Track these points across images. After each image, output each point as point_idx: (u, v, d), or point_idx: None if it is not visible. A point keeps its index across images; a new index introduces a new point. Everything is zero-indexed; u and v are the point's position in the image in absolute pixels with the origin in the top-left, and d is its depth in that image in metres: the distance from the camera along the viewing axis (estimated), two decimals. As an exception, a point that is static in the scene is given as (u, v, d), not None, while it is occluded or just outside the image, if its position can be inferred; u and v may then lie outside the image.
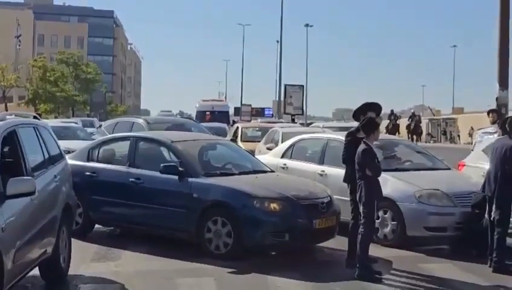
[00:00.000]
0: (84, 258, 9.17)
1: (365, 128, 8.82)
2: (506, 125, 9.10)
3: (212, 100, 45.70)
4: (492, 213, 9.11)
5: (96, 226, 11.03)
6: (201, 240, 9.41)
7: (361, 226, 8.65)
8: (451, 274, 8.68)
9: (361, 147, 8.71)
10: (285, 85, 53.46)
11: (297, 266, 8.93)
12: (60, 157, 8.52)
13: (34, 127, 7.87)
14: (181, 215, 9.62)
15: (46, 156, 7.90)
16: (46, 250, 7.41)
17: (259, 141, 19.84)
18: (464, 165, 12.88)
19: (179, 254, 9.36)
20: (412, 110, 53.83)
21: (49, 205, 7.54)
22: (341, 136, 12.35)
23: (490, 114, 14.71)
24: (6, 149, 6.79)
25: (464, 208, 10.13)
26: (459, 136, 59.65)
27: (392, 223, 10.38)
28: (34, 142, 7.61)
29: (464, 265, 9.25)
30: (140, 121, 16.93)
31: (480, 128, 15.70)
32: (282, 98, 53.74)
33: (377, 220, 10.44)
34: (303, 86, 55.05)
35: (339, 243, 9.93)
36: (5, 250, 5.82)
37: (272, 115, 53.51)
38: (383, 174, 10.08)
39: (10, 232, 6.08)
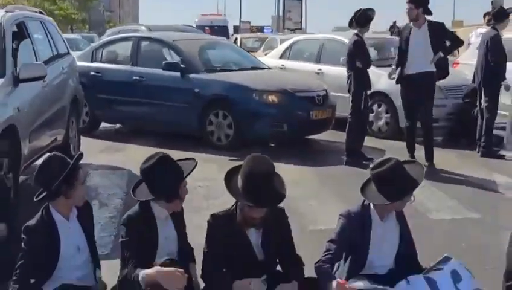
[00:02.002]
0: (93, 151, 9.60)
1: (359, 20, 9.02)
2: (491, 17, 9.44)
3: (211, 15, 45.46)
4: (482, 101, 9.55)
5: (103, 125, 11.48)
6: (204, 133, 9.88)
7: (348, 115, 9.05)
8: (441, 160, 9.13)
9: (353, 38, 9.02)
10: (284, -1, 52.89)
11: (296, 154, 9.41)
12: (66, 53, 8.87)
13: (40, 21, 8.19)
14: (184, 110, 10.06)
15: (54, 49, 8.25)
16: (56, 138, 7.85)
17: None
18: (458, 63, 13.25)
19: (183, 146, 9.79)
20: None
21: (58, 94, 7.95)
22: (337, 36, 12.73)
23: (486, 16, 14.90)
24: (16, 39, 7.13)
25: (455, 100, 10.62)
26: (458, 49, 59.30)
27: (386, 115, 10.85)
28: (41, 34, 7.95)
29: (453, 152, 9.77)
30: (143, 28, 17.16)
31: (478, 28, 15.93)
32: (281, 13, 53.28)
33: (371, 114, 10.94)
34: (302, -1, 54.51)
35: (334, 136, 10.44)
36: (21, 127, 6.22)
37: (272, 31, 53.16)
38: (377, 70, 10.53)
39: (24, 114, 6.49)
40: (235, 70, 10.63)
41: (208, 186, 7.60)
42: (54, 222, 3.94)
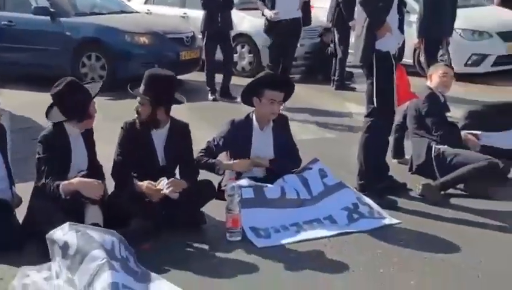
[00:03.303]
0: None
1: None
2: None
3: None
4: (335, 41, 10.61)
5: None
6: (77, 75, 10.16)
7: None
8: (301, 93, 9.99)
9: None
10: None
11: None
12: None
13: None
14: (56, 54, 10.32)
15: None
16: None
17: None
18: (313, 7, 14.21)
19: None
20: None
21: None
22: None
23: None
24: None
25: (312, 40, 11.64)
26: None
27: (249, 56, 11.64)
28: None
29: (312, 87, 10.76)
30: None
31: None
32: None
33: (235, 54, 11.70)
34: None
35: (201, 76, 11.10)
36: None
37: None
38: (241, 13, 11.27)
39: None
40: (105, 14, 10.98)
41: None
42: (-27, 141, 4.39)
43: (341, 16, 10.30)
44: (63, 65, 10.24)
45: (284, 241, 4.44)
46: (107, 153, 4.93)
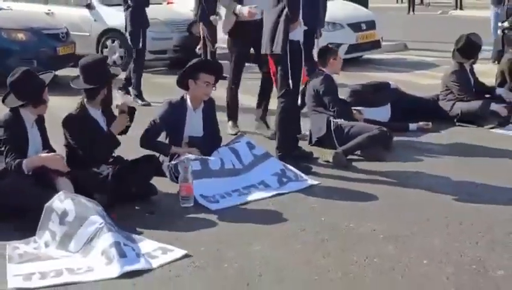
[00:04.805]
0: None
1: None
2: None
3: None
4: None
5: None
6: (-49, 73, 10.09)
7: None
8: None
9: None
10: None
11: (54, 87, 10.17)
12: None
13: None
14: None
15: None
16: None
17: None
18: (172, 2, 14.82)
19: None
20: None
21: None
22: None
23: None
24: None
25: (180, 34, 12.28)
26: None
27: (120, 50, 12.03)
28: None
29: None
30: None
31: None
32: None
33: (105, 49, 12.06)
34: None
35: (75, 71, 11.35)
36: None
37: None
38: (110, 9, 11.68)
39: None
40: (-25, 12, 10.92)
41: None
42: None
43: (205, 11, 10.89)
44: None
45: (231, 204, 5.12)
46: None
